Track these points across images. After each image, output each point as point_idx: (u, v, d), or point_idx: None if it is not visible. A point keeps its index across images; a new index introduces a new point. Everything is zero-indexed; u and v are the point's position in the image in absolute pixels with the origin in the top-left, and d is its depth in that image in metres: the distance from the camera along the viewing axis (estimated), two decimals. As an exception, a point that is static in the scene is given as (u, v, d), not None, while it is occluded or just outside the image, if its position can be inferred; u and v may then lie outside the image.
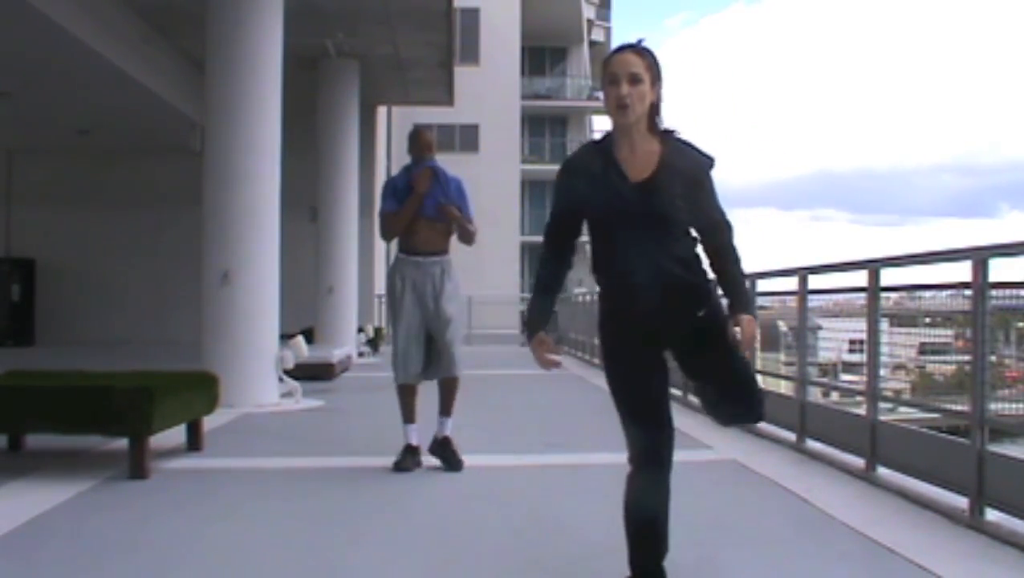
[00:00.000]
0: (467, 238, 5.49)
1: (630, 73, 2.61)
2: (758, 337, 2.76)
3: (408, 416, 5.43)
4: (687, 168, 2.69)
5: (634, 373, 2.75)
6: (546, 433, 7.04)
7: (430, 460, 5.43)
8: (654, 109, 2.70)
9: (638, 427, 2.74)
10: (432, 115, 24.44)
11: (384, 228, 5.47)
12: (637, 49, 2.67)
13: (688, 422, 7.46)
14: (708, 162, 2.74)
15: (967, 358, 4.12)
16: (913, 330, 5.19)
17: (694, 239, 2.75)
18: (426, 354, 5.42)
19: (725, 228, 2.77)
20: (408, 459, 5.36)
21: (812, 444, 5.80)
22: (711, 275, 2.78)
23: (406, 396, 5.44)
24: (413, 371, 5.40)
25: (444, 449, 5.40)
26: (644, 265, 2.69)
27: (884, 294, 5.03)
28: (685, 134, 2.75)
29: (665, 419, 2.76)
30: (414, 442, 5.41)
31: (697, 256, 2.75)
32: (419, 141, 5.49)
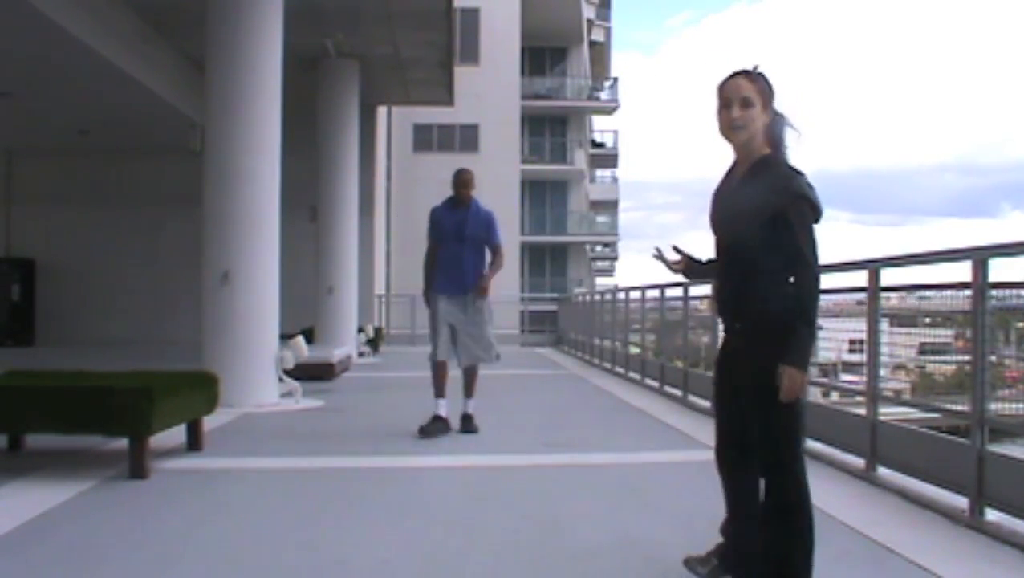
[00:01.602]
0: (497, 270, 6.82)
1: (742, 97, 2.76)
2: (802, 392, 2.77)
3: (439, 391, 6.63)
4: (758, 200, 2.73)
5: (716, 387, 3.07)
6: (546, 433, 7.04)
7: (432, 459, 5.40)
8: (769, 132, 2.78)
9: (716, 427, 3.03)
10: (432, 115, 24.50)
11: (425, 261, 6.89)
12: (749, 74, 2.79)
13: (687, 421, 7.47)
14: (792, 191, 2.70)
15: (967, 358, 4.12)
16: (913, 330, 5.19)
17: (777, 278, 2.72)
18: (454, 341, 6.70)
19: (799, 272, 2.71)
20: (433, 426, 6.48)
21: (812, 444, 5.79)
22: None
23: (439, 373, 6.66)
24: (445, 349, 6.64)
25: (466, 422, 6.69)
26: (723, 291, 2.92)
27: (884, 294, 5.03)
28: (795, 151, 2.80)
29: (739, 439, 2.91)
30: (443, 414, 6.56)
31: (764, 276, 2.74)
32: (458, 180, 6.75)
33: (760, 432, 2.80)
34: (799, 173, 2.76)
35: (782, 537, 2.79)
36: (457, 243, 6.70)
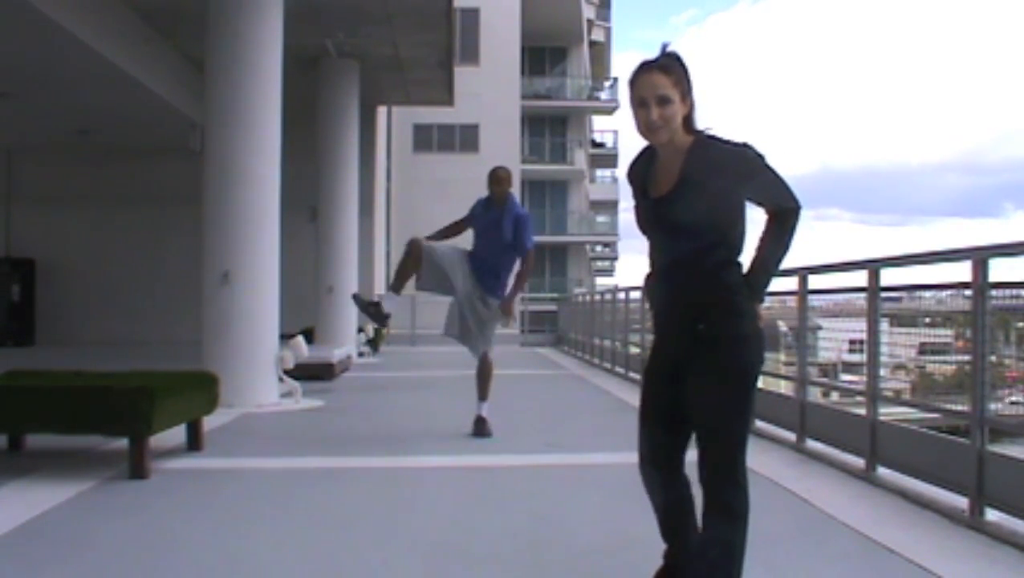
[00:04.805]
0: (524, 281, 6.79)
1: (658, 96, 2.55)
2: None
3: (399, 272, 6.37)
4: (713, 175, 2.55)
5: (649, 373, 2.83)
6: (546, 433, 7.04)
7: (432, 459, 5.39)
8: (688, 120, 2.61)
9: (643, 428, 2.82)
10: (432, 115, 24.48)
11: (450, 224, 6.82)
12: (663, 66, 2.58)
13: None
14: (735, 155, 2.59)
15: (967, 358, 4.12)
16: (913, 330, 5.19)
17: (728, 248, 2.62)
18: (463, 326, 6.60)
19: (776, 213, 2.66)
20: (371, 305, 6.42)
21: (812, 444, 5.80)
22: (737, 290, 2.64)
23: (412, 246, 6.33)
24: (444, 252, 6.43)
25: (479, 425, 6.58)
26: (662, 275, 2.72)
27: (884, 294, 5.03)
28: (714, 130, 2.63)
29: (672, 426, 2.74)
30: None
31: (725, 267, 2.61)
32: (491, 177, 6.67)
33: (703, 416, 2.63)
34: (737, 144, 2.60)
35: (718, 546, 2.62)
36: (487, 244, 6.58)
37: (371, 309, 6.25)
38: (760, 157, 2.61)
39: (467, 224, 6.79)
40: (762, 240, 2.67)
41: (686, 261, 2.62)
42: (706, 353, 2.60)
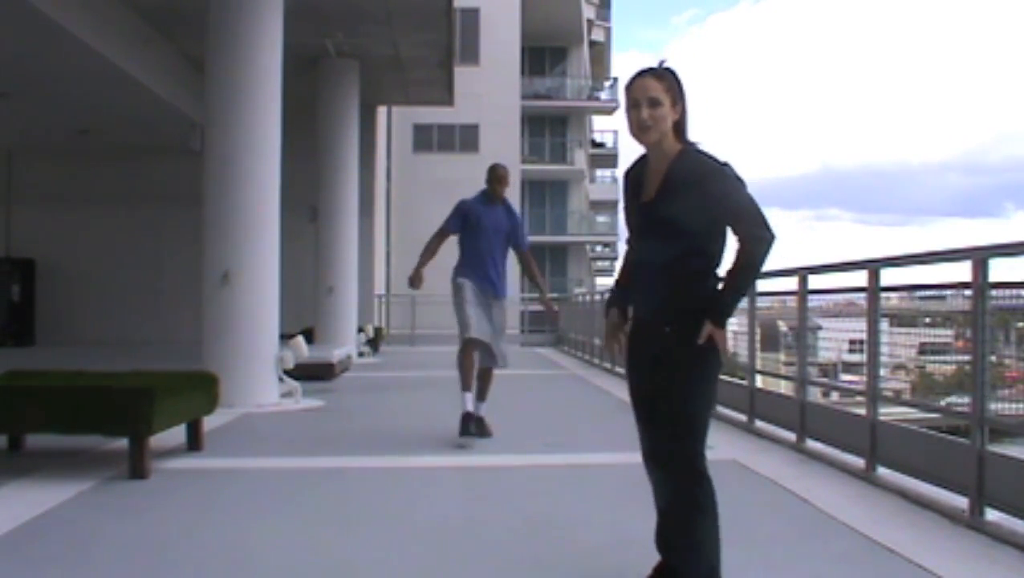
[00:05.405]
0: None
1: (649, 97, 2.74)
2: (726, 348, 2.80)
3: (466, 384, 6.19)
4: (694, 182, 2.70)
5: (630, 369, 2.97)
6: (546, 433, 7.04)
7: (432, 459, 5.40)
8: (678, 127, 2.78)
9: (638, 424, 2.95)
10: (432, 115, 24.47)
11: (429, 243, 6.50)
12: (656, 73, 2.78)
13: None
14: (715, 170, 2.72)
15: (967, 358, 4.12)
16: (913, 330, 5.19)
17: (706, 258, 2.76)
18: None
19: (746, 241, 2.71)
20: (467, 427, 6.12)
21: (812, 444, 5.80)
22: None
23: (467, 357, 6.19)
24: (478, 325, 6.22)
25: (478, 425, 6.33)
26: (641, 277, 2.88)
27: (885, 294, 5.03)
28: (704, 145, 2.80)
29: (658, 422, 2.83)
30: (471, 408, 6.17)
31: (701, 275, 2.77)
32: (494, 175, 6.53)
33: (667, 414, 2.77)
34: (719, 161, 2.74)
35: (692, 536, 2.79)
36: (494, 241, 6.46)
37: (473, 428, 6.20)
38: (739, 179, 2.75)
39: (453, 230, 6.49)
40: (729, 272, 2.76)
41: (665, 264, 2.77)
42: (672, 354, 2.76)
